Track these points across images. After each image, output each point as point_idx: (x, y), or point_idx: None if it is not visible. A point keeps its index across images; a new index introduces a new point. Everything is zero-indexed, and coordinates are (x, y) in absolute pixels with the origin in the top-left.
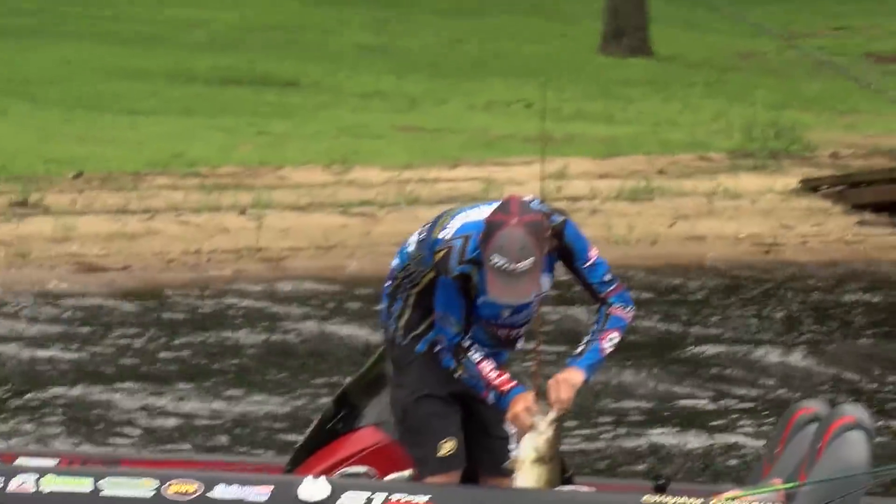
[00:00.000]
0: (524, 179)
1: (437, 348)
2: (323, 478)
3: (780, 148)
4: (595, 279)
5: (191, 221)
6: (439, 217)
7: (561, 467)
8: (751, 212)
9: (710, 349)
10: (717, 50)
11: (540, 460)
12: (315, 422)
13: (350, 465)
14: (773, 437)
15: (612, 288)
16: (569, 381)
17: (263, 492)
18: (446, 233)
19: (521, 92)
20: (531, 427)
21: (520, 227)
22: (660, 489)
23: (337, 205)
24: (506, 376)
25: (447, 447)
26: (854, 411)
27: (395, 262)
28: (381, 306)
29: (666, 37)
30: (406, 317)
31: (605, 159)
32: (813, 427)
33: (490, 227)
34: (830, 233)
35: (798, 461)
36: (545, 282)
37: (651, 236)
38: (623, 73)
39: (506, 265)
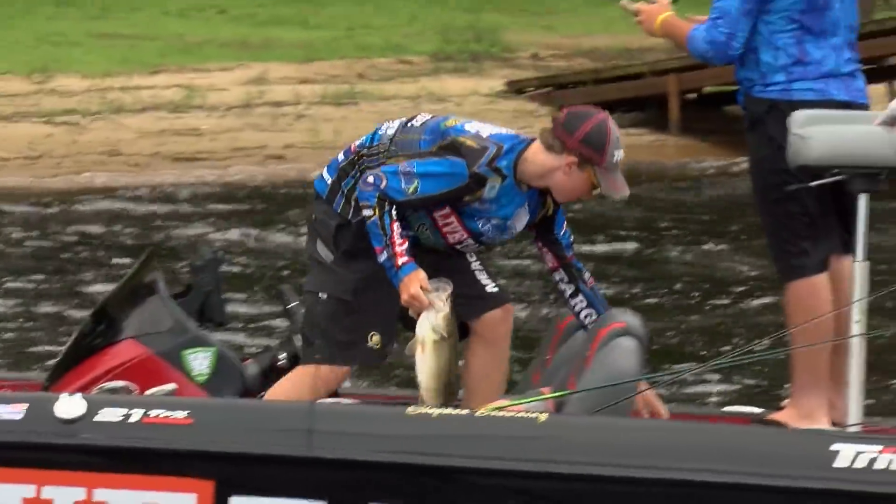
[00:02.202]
0: (225, 85)
1: (366, 180)
2: (79, 394)
3: (480, 50)
4: (567, 237)
5: None
6: (436, 117)
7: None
8: (458, 114)
9: None
10: None
11: (441, 339)
12: (73, 336)
13: (109, 379)
14: (543, 344)
15: (572, 252)
16: None
17: (18, 409)
18: (473, 127)
19: None
20: (429, 306)
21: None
22: None
23: (41, 114)
24: (406, 246)
25: (375, 339)
26: (623, 317)
27: (361, 140)
28: (324, 180)
29: None
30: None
31: (304, 64)
32: (582, 333)
33: (598, 130)
34: None
35: (567, 369)
36: (524, 218)
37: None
38: None
39: (619, 157)
